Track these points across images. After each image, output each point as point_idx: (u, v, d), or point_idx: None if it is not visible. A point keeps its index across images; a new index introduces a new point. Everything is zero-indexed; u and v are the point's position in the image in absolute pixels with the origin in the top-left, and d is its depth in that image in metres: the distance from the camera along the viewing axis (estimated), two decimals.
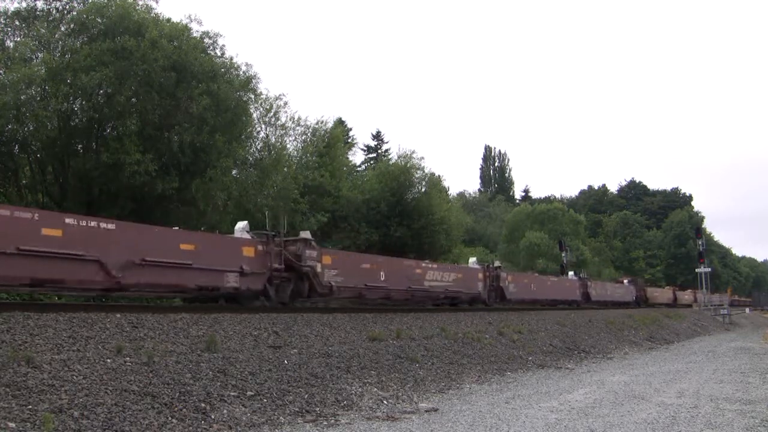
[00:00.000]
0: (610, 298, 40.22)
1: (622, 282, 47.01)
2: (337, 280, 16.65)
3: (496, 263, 27.91)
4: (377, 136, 61.45)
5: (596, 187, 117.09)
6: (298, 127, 33.95)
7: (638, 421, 8.42)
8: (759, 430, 7.90)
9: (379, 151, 59.72)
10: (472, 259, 27.98)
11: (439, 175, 39.09)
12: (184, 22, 23.08)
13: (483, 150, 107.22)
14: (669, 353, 21.33)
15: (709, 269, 56.09)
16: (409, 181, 35.32)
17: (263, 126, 31.79)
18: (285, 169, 29.66)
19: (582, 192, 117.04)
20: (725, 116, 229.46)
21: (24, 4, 22.47)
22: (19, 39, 21.92)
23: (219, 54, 23.92)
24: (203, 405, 7.94)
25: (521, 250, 58.85)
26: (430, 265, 22.01)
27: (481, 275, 24.74)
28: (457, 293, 22.94)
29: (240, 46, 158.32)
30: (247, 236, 15.00)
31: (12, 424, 6.17)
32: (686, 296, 59.71)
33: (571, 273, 39.24)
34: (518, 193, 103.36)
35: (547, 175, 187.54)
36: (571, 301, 34.16)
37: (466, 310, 22.36)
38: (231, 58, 24.22)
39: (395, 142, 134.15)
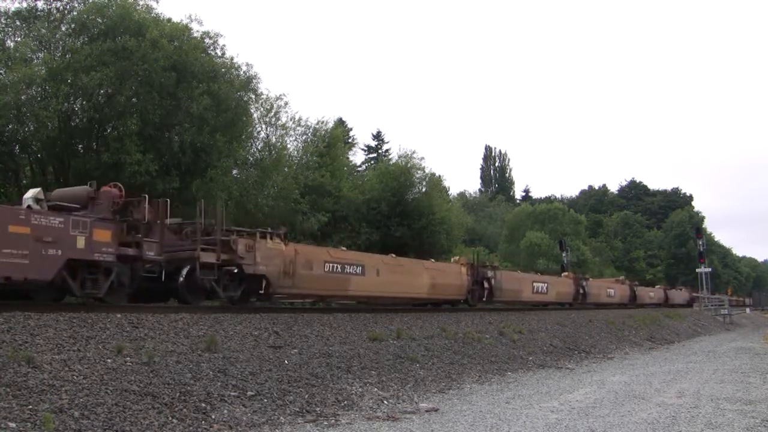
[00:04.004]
0: None
1: None
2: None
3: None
4: (377, 136, 61.46)
5: (596, 187, 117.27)
6: (298, 127, 33.94)
7: (638, 421, 8.42)
8: (759, 430, 7.89)
9: (380, 151, 59.70)
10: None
11: (439, 175, 39.05)
12: (184, 22, 23.15)
13: (483, 150, 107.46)
14: (669, 353, 21.32)
15: (710, 269, 55.79)
16: (409, 181, 35.25)
17: (264, 126, 31.79)
18: (285, 169, 29.67)
19: (582, 192, 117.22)
20: (726, 116, 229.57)
21: (24, 4, 22.54)
22: (19, 39, 21.95)
23: (219, 54, 23.98)
24: (203, 405, 7.93)
25: (522, 250, 58.84)
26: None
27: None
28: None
29: (240, 46, 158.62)
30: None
31: (12, 424, 6.16)
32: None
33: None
34: (519, 193, 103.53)
35: (547, 175, 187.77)
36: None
37: (466, 311, 22.29)
38: (231, 58, 24.29)
39: (396, 142, 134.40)
